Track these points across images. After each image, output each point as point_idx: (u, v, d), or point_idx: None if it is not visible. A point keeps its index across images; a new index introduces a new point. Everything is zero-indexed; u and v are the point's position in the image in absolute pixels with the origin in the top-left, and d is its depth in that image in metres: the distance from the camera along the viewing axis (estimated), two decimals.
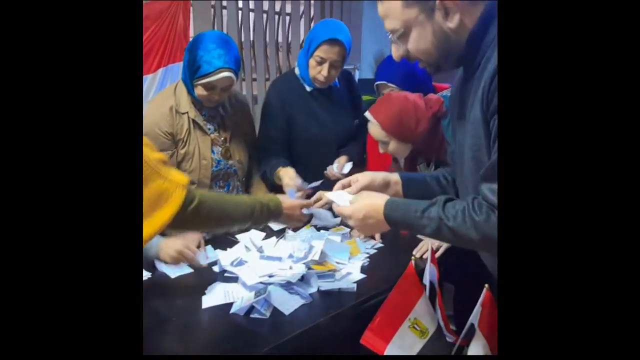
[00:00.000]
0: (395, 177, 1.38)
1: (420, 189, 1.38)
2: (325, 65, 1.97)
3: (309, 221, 2.01)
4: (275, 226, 1.90)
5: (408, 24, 1.05)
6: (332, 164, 2.09)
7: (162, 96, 1.91)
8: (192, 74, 1.75)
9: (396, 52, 1.13)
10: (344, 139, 2.22)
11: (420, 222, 1.11)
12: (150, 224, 0.97)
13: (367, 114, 1.80)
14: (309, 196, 1.64)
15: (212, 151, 1.89)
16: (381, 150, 1.84)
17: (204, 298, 1.42)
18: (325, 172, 2.06)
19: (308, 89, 2.10)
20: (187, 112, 1.83)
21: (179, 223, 1.06)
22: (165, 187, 0.99)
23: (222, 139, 1.93)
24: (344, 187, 1.36)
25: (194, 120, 1.84)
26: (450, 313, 2.07)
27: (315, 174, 2.01)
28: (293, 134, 2.12)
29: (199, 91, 1.77)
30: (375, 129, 1.79)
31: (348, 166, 2.08)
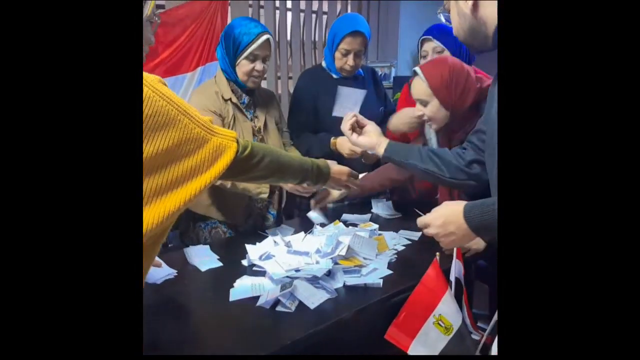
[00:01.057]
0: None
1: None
2: (350, 56, 2.14)
3: (339, 217, 2.05)
4: (315, 217, 1.98)
5: (447, 6, 1.19)
6: None
7: (205, 85, 2.03)
8: (234, 53, 1.88)
9: None
10: None
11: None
12: (210, 174, 1.04)
13: (416, 69, 1.74)
14: None
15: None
16: (417, 112, 1.78)
17: (231, 291, 1.46)
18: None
19: (335, 76, 2.24)
20: (230, 98, 1.93)
21: (235, 171, 1.13)
22: (219, 142, 1.06)
23: (257, 127, 2.01)
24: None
25: (236, 106, 1.94)
26: (486, 312, 2.05)
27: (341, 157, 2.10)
28: (321, 117, 2.23)
29: (244, 67, 1.89)
30: (419, 86, 1.72)
31: None
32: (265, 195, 1.87)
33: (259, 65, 1.90)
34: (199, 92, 2.00)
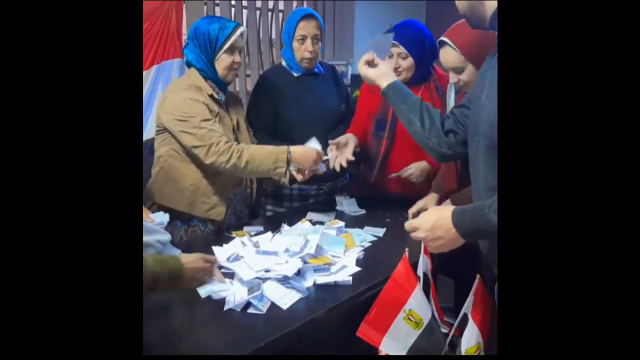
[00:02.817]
0: None
1: None
2: (308, 41, 2.15)
3: (304, 215, 2.06)
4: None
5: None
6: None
7: (183, 82, 1.95)
8: (212, 49, 1.89)
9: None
10: (331, 122, 2.32)
11: (489, 217, 1.08)
12: None
13: (444, 38, 1.71)
14: None
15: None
16: (452, 80, 1.79)
17: (200, 292, 1.43)
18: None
19: (295, 74, 2.24)
20: (211, 94, 1.92)
21: None
22: None
23: (233, 125, 2.02)
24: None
25: (218, 102, 1.94)
26: (451, 306, 2.09)
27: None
28: (280, 117, 2.23)
29: (224, 62, 1.90)
30: (451, 54, 1.69)
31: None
32: (282, 169, 1.85)
33: (237, 57, 1.93)
34: (179, 87, 1.92)
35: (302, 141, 2.06)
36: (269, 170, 1.83)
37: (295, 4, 4.05)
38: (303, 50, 2.16)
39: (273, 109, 2.22)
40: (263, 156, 1.83)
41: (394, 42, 2.05)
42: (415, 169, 2.11)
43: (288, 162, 1.84)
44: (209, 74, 1.93)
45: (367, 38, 4.53)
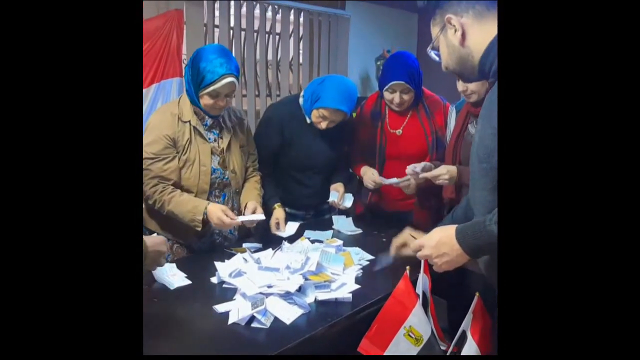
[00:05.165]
0: None
1: None
2: (326, 122, 2.17)
3: (302, 234, 2.10)
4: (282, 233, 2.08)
5: (436, 39, 1.28)
6: (315, 186, 2.34)
7: (167, 106, 2.02)
8: (197, 85, 1.86)
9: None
10: (331, 167, 2.39)
11: (490, 228, 1.11)
12: None
13: None
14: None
15: (211, 159, 1.98)
16: (460, 88, 1.88)
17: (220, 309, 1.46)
18: (329, 201, 2.31)
19: (308, 121, 2.25)
20: (189, 121, 1.93)
21: None
22: None
23: (220, 148, 2.01)
24: None
25: (195, 128, 1.94)
26: (444, 326, 2.12)
27: (298, 193, 2.35)
28: (284, 158, 2.28)
29: (205, 100, 1.88)
30: None
31: (349, 199, 2.33)
32: (198, 228, 1.88)
33: (220, 102, 1.90)
34: (158, 113, 2.00)
35: (297, 183, 2.31)
36: (187, 222, 1.89)
37: (292, 26, 4.13)
38: (318, 122, 2.18)
39: (279, 144, 2.26)
40: (181, 212, 1.88)
41: (397, 81, 2.16)
42: (448, 173, 2.00)
43: (204, 221, 1.88)
44: (194, 102, 1.93)
45: (360, 61, 4.63)
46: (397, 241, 1.62)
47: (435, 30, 1.27)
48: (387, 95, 2.26)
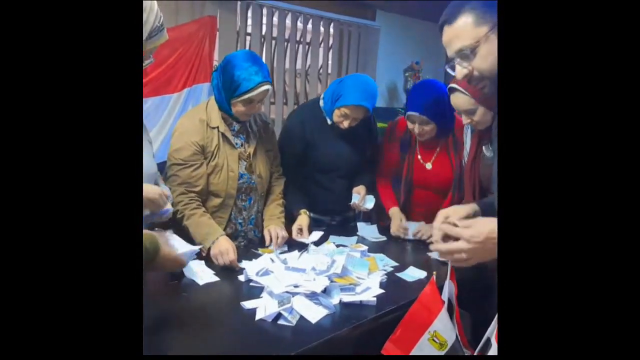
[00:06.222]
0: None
1: None
2: (349, 120, 2.15)
3: (327, 239, 2.11)
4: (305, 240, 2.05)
5: (478, 41, 1.16)
6: (339, 191, 2.33)
7: (194, 111, 2.03)
8: (230, 93, 1.86)
9: (460, 72, 1.21)
10: (355, 169, 2.38)
11: None
12: None
13: (453, 85, 1.80)
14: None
15: (239, 164, 2.00)
16: (465, 122, 1.86)
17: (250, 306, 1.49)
18: (350, 204, 2.28)
19: (329, 122, 2.24)
20: (217, 127, 1.95)
21: None
22: None
23: (247, 153, 2.04)
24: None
25: (223, 135, 1.96)
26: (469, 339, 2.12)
27: (322, 198, 2.34)
28: (309, 160, 2.29)
29: (238, 108, 1.89)
30: (462, 99, 1.80)
31: (370, 200, 2.30)
32: (203, 253, 1.87)
33: (253, 109, 1.92)
34: (186, 118, 2.01)
35: (321, 185, 2.32)
36: (198, 241, 1.85)
37: (322, 36, 4.18)
38: (340, 122, 2.17)
39: (302, 148, 2.27)
40: (194, 232, 1.89)
41: (413, 112, 2.14)
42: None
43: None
44: (224, 108, 1.94)
45: (387, 71, 4.66)
46: (438, 233, 1.29)
47: (479, 31, 1.15)
48: (409, 124, 2.22)
